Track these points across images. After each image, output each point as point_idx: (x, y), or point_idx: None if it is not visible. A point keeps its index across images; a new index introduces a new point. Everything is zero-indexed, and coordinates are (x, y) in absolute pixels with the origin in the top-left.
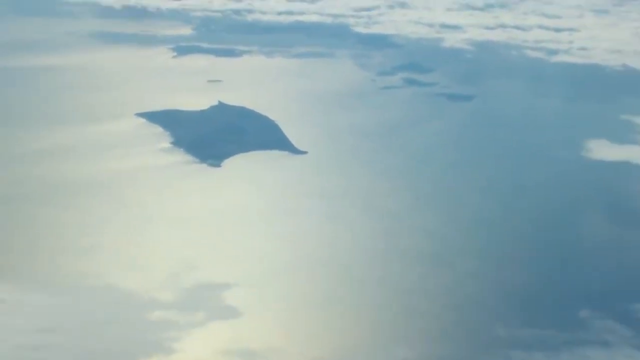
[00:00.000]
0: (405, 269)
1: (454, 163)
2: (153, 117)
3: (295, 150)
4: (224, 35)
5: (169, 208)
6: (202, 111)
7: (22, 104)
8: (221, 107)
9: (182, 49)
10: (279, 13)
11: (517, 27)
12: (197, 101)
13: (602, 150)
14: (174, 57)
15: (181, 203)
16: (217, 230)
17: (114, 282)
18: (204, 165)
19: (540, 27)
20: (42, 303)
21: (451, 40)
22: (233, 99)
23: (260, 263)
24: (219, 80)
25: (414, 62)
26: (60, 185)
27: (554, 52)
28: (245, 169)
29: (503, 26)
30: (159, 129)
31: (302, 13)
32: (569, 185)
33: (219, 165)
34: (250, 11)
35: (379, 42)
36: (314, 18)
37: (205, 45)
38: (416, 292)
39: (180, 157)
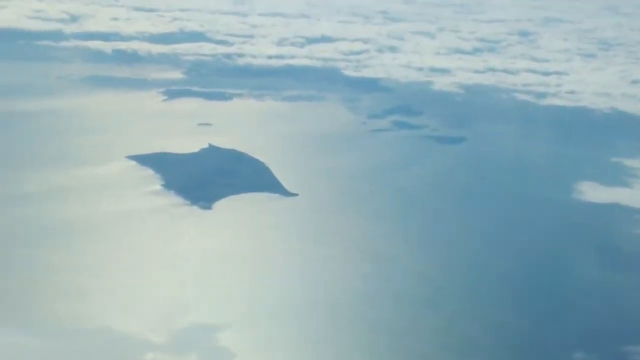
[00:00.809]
0: (398, 311)
1: (445, 206)
2: (144, 160)
3: (286, 193)
4: (215, 79)
5: (161, 250)
6: (193, 154)
7: (14, 147)
8: (212, 150)
9: (173, 93)
10: (270, 57)
11: (506, 71)
12: (188, 144)
13: (593, 193)
14: (164, 100)
15: (173, 245)
16: (209, 272)
17: (107, 324)
18: (195, 208)
19: (529, 70)
20: (37, 346)
21: (441, 83)
22: (224, 142)
23: (252, 305)
24: (210, 124)
25: (404, 106)
26: (53, 227)
27: (543, 95)
28: (237, 211)
29: (492, 70)
30: (150, 172)
31: (292, 57)
32: (560, 228)
33: (210, 208)
34: (241, 55)
35: (369, 85)
36: (305, 62)
37: (196, 88)
38: (409, 333)
39: (172, 199)
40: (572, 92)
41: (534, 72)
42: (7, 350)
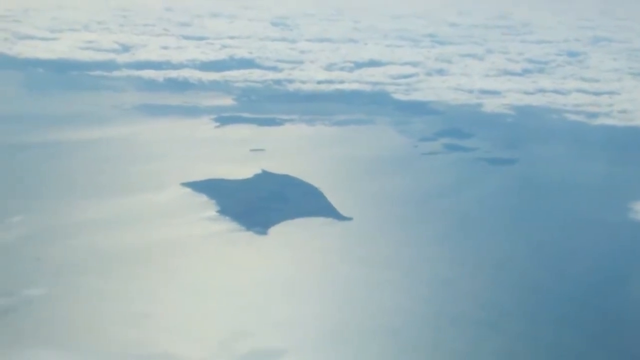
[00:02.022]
0: (458, 335)
1: (500, 228)
2: (198, 186)
3: (340, 217)
4: (265, 105)
5: (218, 276)
6: (247, 180)
7: (69, 176)
8: (265, 176)
9: (225, 119)
10: (319, 82)
11: (556, 92)
12: (241, 170)
13: None
14: (216, 127)
15: (230, 270)
16: (267, 297)
17: (169, 351)
18: (251, 233)
19: (579, 90)
20: None
21: (491, 105)
22: (276, 167)
23: (312, 330)
24: (262, 149)
25: (455, 128)
26: (109, 255)
27: (595, 115)
28: (292, 235)
29: (542, 91)
30: (204, 198)
31: (341, 82)
32: (617, 248)
33: (265, 233)
34: (290, 81)
35: (418, 108)
36: (354, 86)
37: (247, 114)
38: (470, 356)
39: (227, 225)
40: (624, 111)
41: (585, 92)
42: None
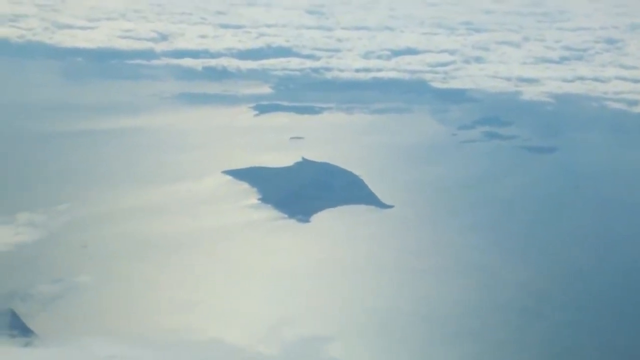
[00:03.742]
0: (502, 322)
1: (542, 215)
2: (239, 174)
3: (382, 205)
4: (303, 93)
5: (263, 263)
6: (287, 168)
7: (112, 164)
8: (305, 164)
9: (263, 107)
10: (357, 70)
11: (595, 79)
12: (281, 158)
13: None
14: (255, 115)
15: (274, 258)
16: (312, 284)
17: (218, 337)
18: (293, 221)
19: (619, 78)
20: (152, 358)
21: (530, 93)
22: (316, 155)
23: (357, 317)
24: (301, 137)
25: (494, 116)
26: (152, 242)
27: (635, 102)
28: (335, 223)
29: (581, 78)
30: (245, 186)
31: (379, 70)
32: None
33: (308, 221)
34: (328, 69)
35: (456, 96)
36: (391, 74)
37: (285, 103)
38: (514, 344)
39: (269, 213)
40: None
41: (624, 79)
42: None
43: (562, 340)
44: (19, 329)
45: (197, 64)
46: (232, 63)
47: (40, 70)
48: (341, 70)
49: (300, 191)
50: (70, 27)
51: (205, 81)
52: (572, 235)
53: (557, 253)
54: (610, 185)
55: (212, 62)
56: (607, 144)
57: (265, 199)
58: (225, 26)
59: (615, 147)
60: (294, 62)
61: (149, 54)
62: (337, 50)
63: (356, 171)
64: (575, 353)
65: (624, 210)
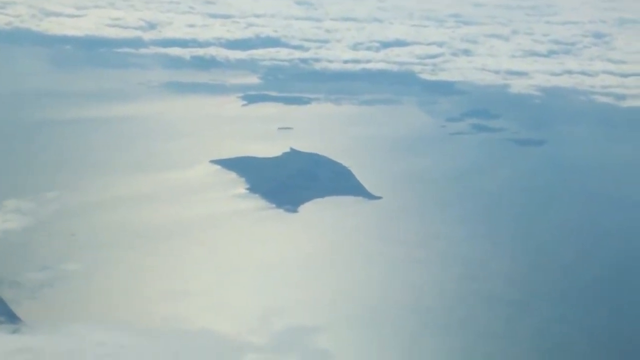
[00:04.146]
0: (490, 314)
1: (530, 208)
2: (227, 163)
3: (369, 196)
4: (292, 84)
5: (251, 252)
6: (276, 158)
7: (100, 152)
8: (294, 154)
9: (252, 97)
10: (345, 61)
11: (583, 73)
12: (270, 148)
13: None
14: (243, 105)
15: (263, 247)
16: (300, 275)
17: (207, 326)
18: (281, 211)
19: (607, 72)
20: (142, 347)
21: (518, 86)
22: (304, 146)
23: (346, 307)
24: (290, 128)
25: (482, 109)
26: (143, 230)
27: (623, 97)
28: (323, 214)
29: (569, 72)
30: (234, 175)
31: (368, 61)
32: None
33: (296, 211)
34: (316, 60)
35: (445, 88)
36: (380, 66)
37: (273, 93)
38: (502, 336)
39: (257, 202)
40: None
41: (612, 73)
42: (115, 350)
43: (550, 332)
44: (6, 315)
45: (185, 53)
46: (221, 53)
47: (28, 58)
48: (330, 61)
49: (288, 181)
50: (58, 14)
51: (193, 70)
52: (560, 228)
53: (544, 245)
54: (597, 179)
55: (201, 52)
56: (595, 138)
57: (254, 189)
58: (213, 16)
59: (603, 140)
60: (282, 53)
61: (137, 43)
62: (326, 41)
63: (344, 162)
64: (563, 345)
65: (611, 203)
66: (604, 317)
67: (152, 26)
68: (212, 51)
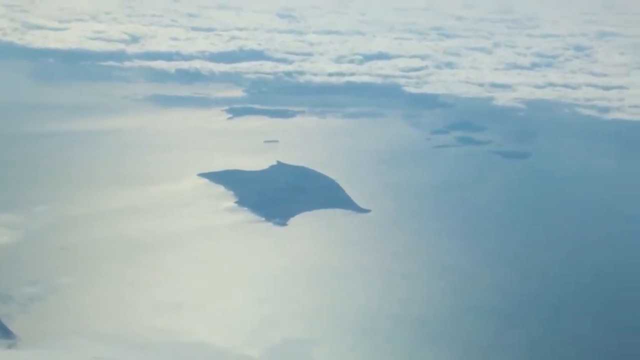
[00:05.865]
0: (480, 326)
1: (517, 220)
2: (215, 177)
3: (358, 209)
4: (276, 97)
5: (241, 266)
6: (263, 171)
7: (86, 166)
8: (281, 167)
9: (237, 111)
10: (330, 74)
11: (566, 86)
12: (257, 161)
13: None
14: (228, 118)
15: (253, 261)
16: (291, 288)
17: (201, 339)
18: (270, 224)
19: (589, 85)
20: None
21: (502, 99)
22: (291, 159)
23: (338, 320)
24: (275, 141)
25: (467, 121)
26: (133, 244)
27: (606, 109)
28: (312, 227)
29: (552, 85)
30: (222, 189)
31: (352, 74)
32: (632, 241)
33: (285, 224)
34: (301, 73)
35: (429, 101)
36: (364, 79)
37: (258, 106)
38: (493, 348)
39: (246, 215)
40: (635, 106)
41: (595, 86)
42: None
43: (538, 342)
44: (0, 331)
45: (170, 66)
46: (205, 66)
47: (11, 71)
48: (314, 74)
49: (277, 194)
50: (41, 27)
51: (177, 83)
52: (545, 240)
53: (530, 257)
54: (582, 190)
55: (185, 65)
56: (579, 150)
57: (242, 202)
58: (196, 29)
59: (587, 153)
60: (266, 66)
61: (120, 56)
62: (310, 54)
63: (332, 175)
64: (551, 355)
65: (596, 214)
66: (591, 327)
67: (135, 39)
68: (196, 64)
